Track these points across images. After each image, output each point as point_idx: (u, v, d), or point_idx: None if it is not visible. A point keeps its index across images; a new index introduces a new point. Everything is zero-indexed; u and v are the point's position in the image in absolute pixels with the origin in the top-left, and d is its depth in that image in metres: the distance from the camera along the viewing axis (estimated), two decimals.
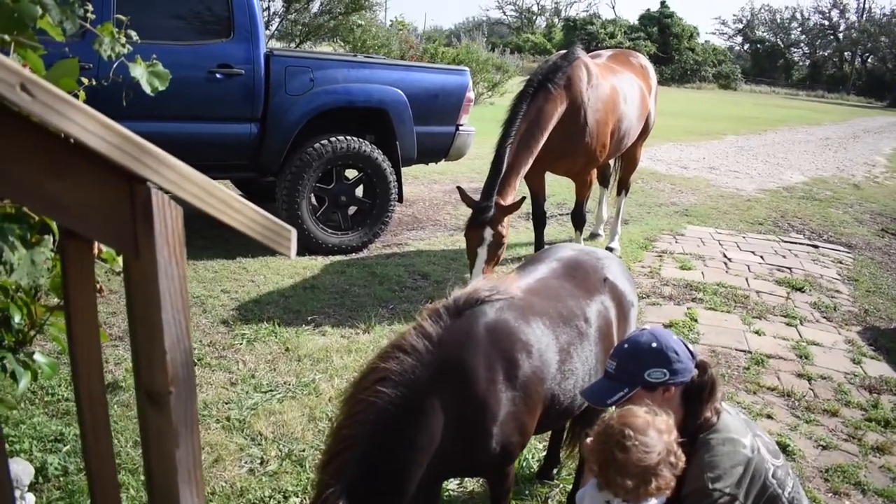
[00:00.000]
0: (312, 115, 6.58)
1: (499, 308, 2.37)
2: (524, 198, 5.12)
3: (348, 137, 6.72)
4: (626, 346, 2.18)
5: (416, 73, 7.39)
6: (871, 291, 7.03)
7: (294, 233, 1.36)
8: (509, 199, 5.11)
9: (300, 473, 3.34)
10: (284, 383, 4.19)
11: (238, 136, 6.42)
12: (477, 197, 5.10)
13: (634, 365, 2.10)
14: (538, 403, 2.42)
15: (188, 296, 1.27)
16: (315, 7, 20.69)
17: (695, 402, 2.13)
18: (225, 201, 1.25)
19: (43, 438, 3.38)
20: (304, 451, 3.53)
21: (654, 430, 1.91)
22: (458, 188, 5.27)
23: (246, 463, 3.42)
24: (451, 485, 3.37)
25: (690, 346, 2.21)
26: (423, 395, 2.15)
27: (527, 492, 3.38)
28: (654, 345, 2.09)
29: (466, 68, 7.98)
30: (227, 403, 3.91)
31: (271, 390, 4.09)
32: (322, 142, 6.61)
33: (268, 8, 21.99)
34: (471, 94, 7.52)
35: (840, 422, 4.32)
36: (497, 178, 5.08)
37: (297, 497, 3.18)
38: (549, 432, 3.52)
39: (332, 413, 3.86)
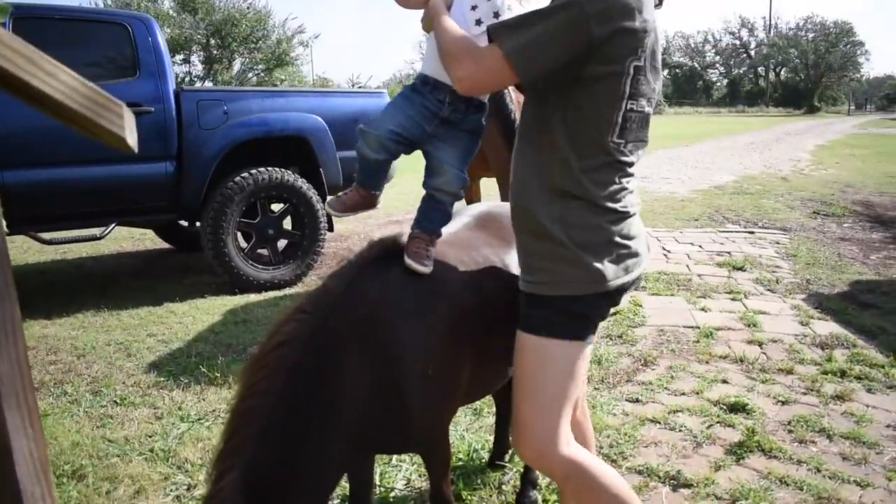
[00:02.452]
0: (229, 149, 6.37)
1: None
2: None
3: (269, 168, 6.52)
4: None
5: (334, 98, 7.30)
6: (811, 264, 7.04)
7: (126, 108, 1.16)
8: None
9: None
10: (213, 411, 3.90)
11: (153, 176, 6.16)
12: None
13: None
14: (463, 358, 2.19)
15: None
16: (236, 66, 20.62)
17: None
18: (33, 60, 1.05)
19: None
20: None
21: None
22: None
23: (171, 491, 3.12)
24: (399, 484, 3.12)
25: None
26: (331, 354, 1.93)
27: (479, 480, 3.15)
28: None
29: (385, 90, 7.90)
30: (150, 437, 3.61)
31: (199, 419, 3.80)
32: (242, 175, 6.39)
33: (189, 73, 21.87)
34: None
35: (796, 378, 4.22)
36: None
37: None
38: (495, 420, 3.31)
39: None
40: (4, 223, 1.18)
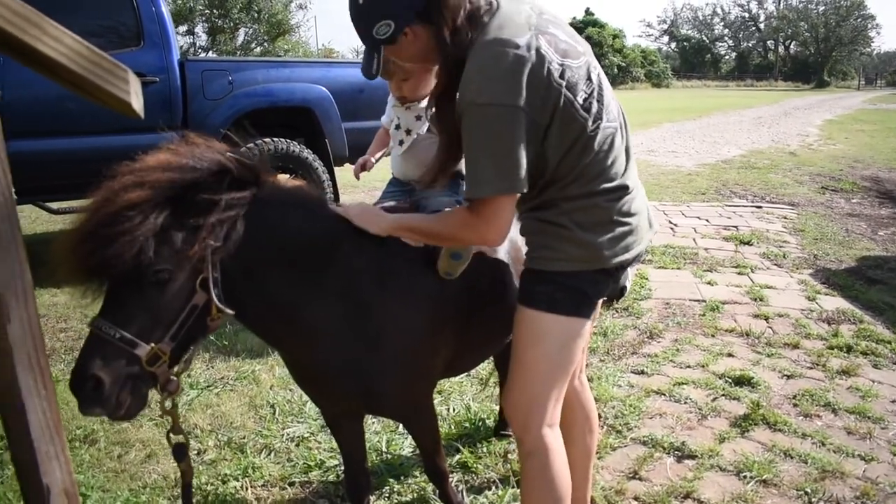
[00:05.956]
0: (235, 119, 6.34)
1: None
2: None
3: (275, 139, 6.49)
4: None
5: (339, 68, 7.23)
6: (819, 239, 7.02)
7: (131, 73, 1.16)
8: None
9: (240, 459, 3.09)
10: (222, 378, 3.93)
11: (158, 147, 6.14)
12: None
13: (364, 28, 1.86)
14: (443, 333, 2.15)
15: (3, 139, 1.05)
16: (240, 38, 20.50)
17: (437, 21, 1.80)
18: (38, 25, 1.04)
19: None
20: (244, 437, 3.28)
21: None
22: None
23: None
24: (405, 451, 3.15)
25: None
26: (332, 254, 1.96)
27: (485, 449, 3.18)
28: (361, 2, 1.84)
29: None
30: (160, 402, 3.63)
31: (209, 386, 3.83)
32: (248, 145, 6.37)
33: (194, 43, 21.75)
34: None
35: (802, 352, 4.22)
36: None
37: (237, 480, 2.93)
38: (500, 390, 3.32)
39: (274, 400, 3.63)
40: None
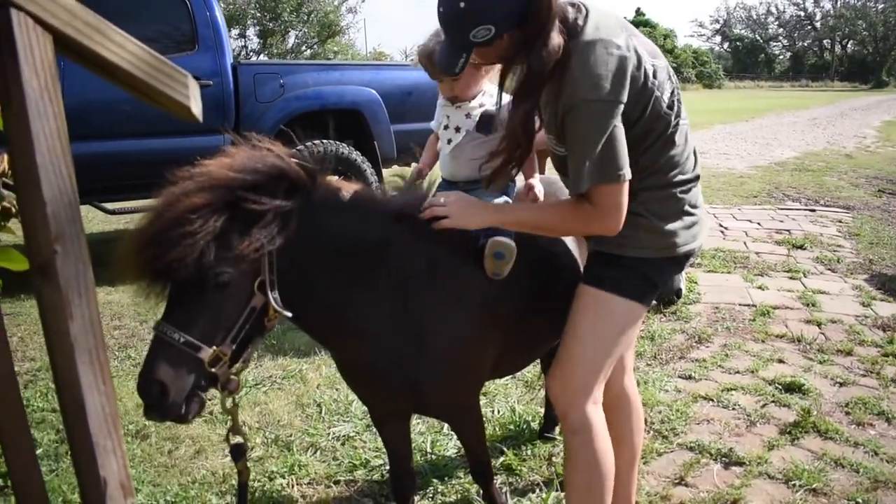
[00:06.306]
0: (286, 121, 6.44)
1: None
2: None
3: (324, 141, 6.58)
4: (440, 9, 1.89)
5: (388, 71, 7.31)
6: (874, 243, 6.83)
7: (191, 77, 1.20)
8: None
9: (287, 457, 3.15)
10: (270, 377, 4.00)
11: (211, 149, 6.22)
12: None
13: (460, 30, 1.83)
14: (490, 327, 2.16)
15: (69, 143, 1.09)
16: (291, 40, 20.80)
17: (532, 27, 1.79)
18: (102, 31, 1.09)
19: None
20: (290, 435, 3.34)
21: None
22: None
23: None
24: (450, 452, 3.17)
25: None
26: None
27: (529, 452, 3.18)
28: (463, 5, 1.78)
29: None
30: (209, 400, 3.70)
31: (257, 384, 3.90)
32: (298, 147, 6.46)
33: (245, 46, 22.13)
34: None
35: (856, 360, 4.12)
36: None
37: (284, 478, 2.99)
38: (545, 393, 3.32)
39: (320, 399, 3.68)
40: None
